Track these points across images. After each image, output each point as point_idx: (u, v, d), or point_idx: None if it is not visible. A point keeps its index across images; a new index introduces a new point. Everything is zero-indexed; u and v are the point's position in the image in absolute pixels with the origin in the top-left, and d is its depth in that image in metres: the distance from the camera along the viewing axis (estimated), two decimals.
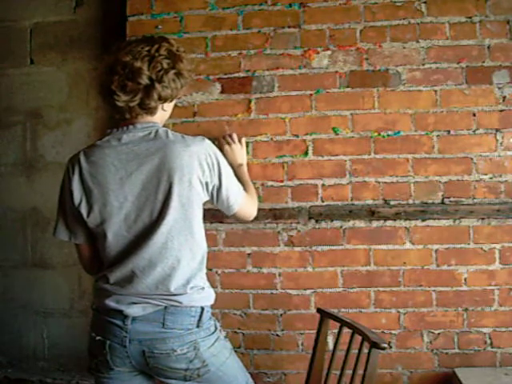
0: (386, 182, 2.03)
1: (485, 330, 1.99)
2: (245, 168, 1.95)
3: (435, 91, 2.01)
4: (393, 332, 2.03)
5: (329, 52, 2.05)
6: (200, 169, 1.35)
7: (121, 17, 2.15)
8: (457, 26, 2.00)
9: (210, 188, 1.40)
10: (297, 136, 2.06)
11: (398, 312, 2.02)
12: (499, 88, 1.99)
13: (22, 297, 2.41)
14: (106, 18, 2.34)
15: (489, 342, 1.99)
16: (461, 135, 2.00)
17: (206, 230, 1.47)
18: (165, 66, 1.35)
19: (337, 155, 2.04)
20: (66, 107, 2.38)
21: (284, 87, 2.06)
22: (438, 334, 2.01)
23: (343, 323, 1.69)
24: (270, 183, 2.07)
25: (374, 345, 1.46)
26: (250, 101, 2.08)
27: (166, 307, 1.34)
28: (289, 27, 2.06)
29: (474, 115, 2.00)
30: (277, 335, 2.07)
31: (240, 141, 2.00)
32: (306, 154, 2.06)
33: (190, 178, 1.33)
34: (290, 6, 2.06)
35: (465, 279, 1.99)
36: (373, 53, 2.03)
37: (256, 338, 2.08)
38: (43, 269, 2.39)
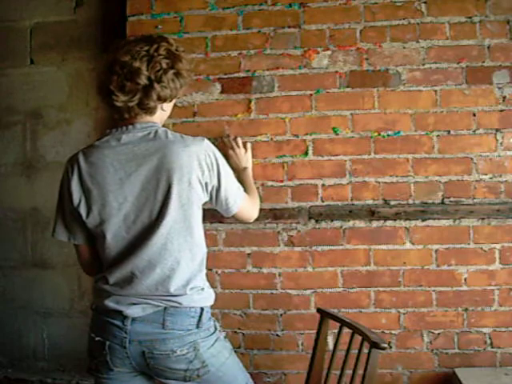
0: (385, 182, 2.03)
1: (485, 329, 1.99)
2: (249, 172, 1.94)
3: (435, 91, 2.01)
4: (393, 332, 2.03)
5: (329, 52, 2.05)
6: (199, 169, 1.34)
7: (121, 17, 2.15)
8: (457, 25, 2.00)
9: (210, 188, 1.40)
10: (297, 136, 2.06)
11: (398, 312, 2.02)
12: (499, 88, 1.99)
13: (21, 297, 2.41)
14: (105, 18, 2.34)
15: (489, 342, 1.99)
16: (461, 135, 2.00)
17: (206, 230, 1.47)
18: (164, 65, 1.34)
19: (337, 155, 2.04)
20: (65, 107, 2.37)
21: (284, 87, 2.06)
22: (438, 334, 2.01)
23: (343, 323, 1.69)
24: (269, 183, 2.07)
25: (374, 345, 1.47)
26: (250, 101, 2.08)
27: (165, 308, 1.34)
28: (289, 27, 2.06)
29: (474, 115, 2.00)
30: (277, 335, 2.07)
31: (245, 145, 2.01)
32: (306, 154, 2.06)
33: (189, 179, 1.32)
34: (290, 6, 2.06)
35: (465, 279, 1.99)
36: (373, 53, 2.03)
37: (256, 338, 2.08)
38: (43, 269, 2.39)
